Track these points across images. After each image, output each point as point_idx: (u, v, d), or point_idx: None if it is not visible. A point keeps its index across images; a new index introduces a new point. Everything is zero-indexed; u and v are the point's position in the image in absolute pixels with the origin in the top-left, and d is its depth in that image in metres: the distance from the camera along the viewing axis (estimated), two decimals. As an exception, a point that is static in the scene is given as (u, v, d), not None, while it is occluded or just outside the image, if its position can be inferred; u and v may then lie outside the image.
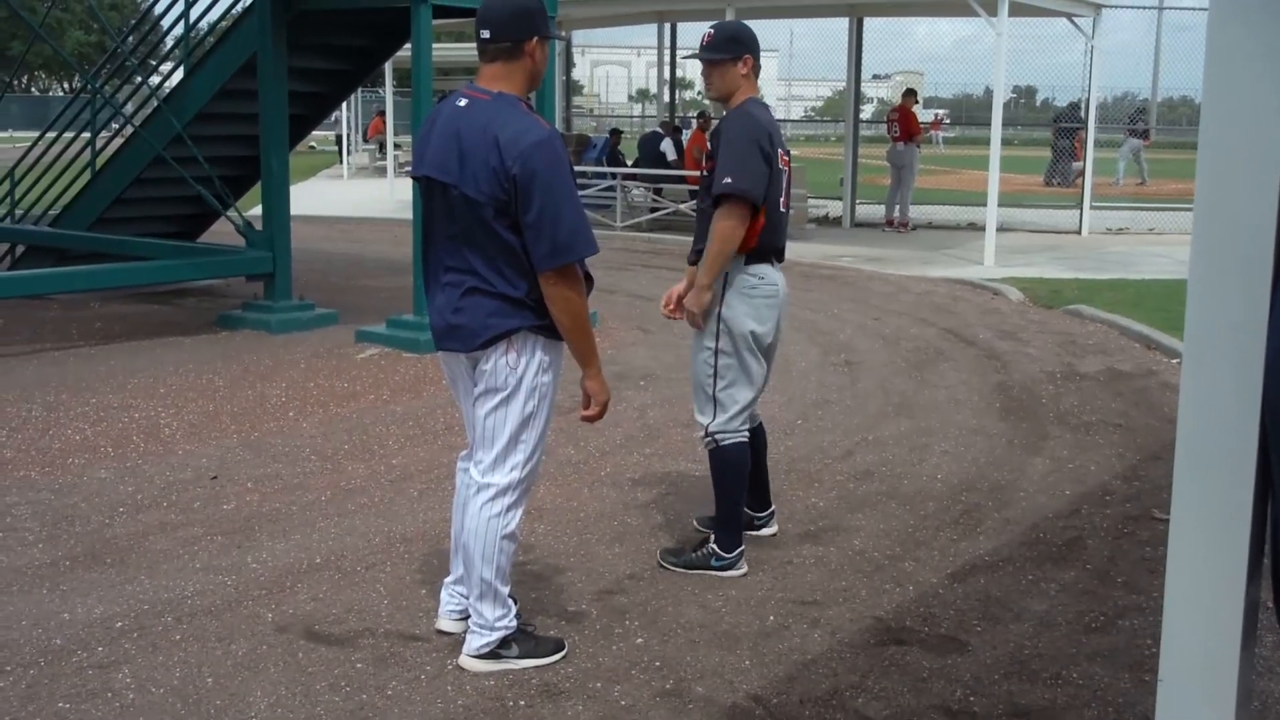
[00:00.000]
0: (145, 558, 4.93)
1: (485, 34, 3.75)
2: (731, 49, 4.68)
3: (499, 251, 3.75)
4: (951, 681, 3.93)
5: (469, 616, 4.08)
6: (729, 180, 4.52)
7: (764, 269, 4.77)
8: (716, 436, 4.81)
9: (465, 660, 3.99)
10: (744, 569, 4.84)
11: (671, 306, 4.98)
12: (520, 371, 3.83)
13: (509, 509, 3.92)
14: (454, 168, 3.73)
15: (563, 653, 4.07)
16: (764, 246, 4.72)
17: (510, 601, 4.03)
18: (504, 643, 3.99)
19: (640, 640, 4.22)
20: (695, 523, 5.40)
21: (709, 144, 4.86)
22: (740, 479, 4.88)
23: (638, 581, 4.76)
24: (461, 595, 4.18)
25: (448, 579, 4.27)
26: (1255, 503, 1.84)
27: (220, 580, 4.71)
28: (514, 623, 4.02)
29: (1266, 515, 1.90)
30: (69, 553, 4.97)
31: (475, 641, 3.99)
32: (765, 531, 5.29)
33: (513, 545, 3.98)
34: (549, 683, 3.89)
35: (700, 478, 6.10)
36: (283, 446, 6.55)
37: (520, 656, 4.00)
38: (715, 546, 4.86)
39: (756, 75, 4.81)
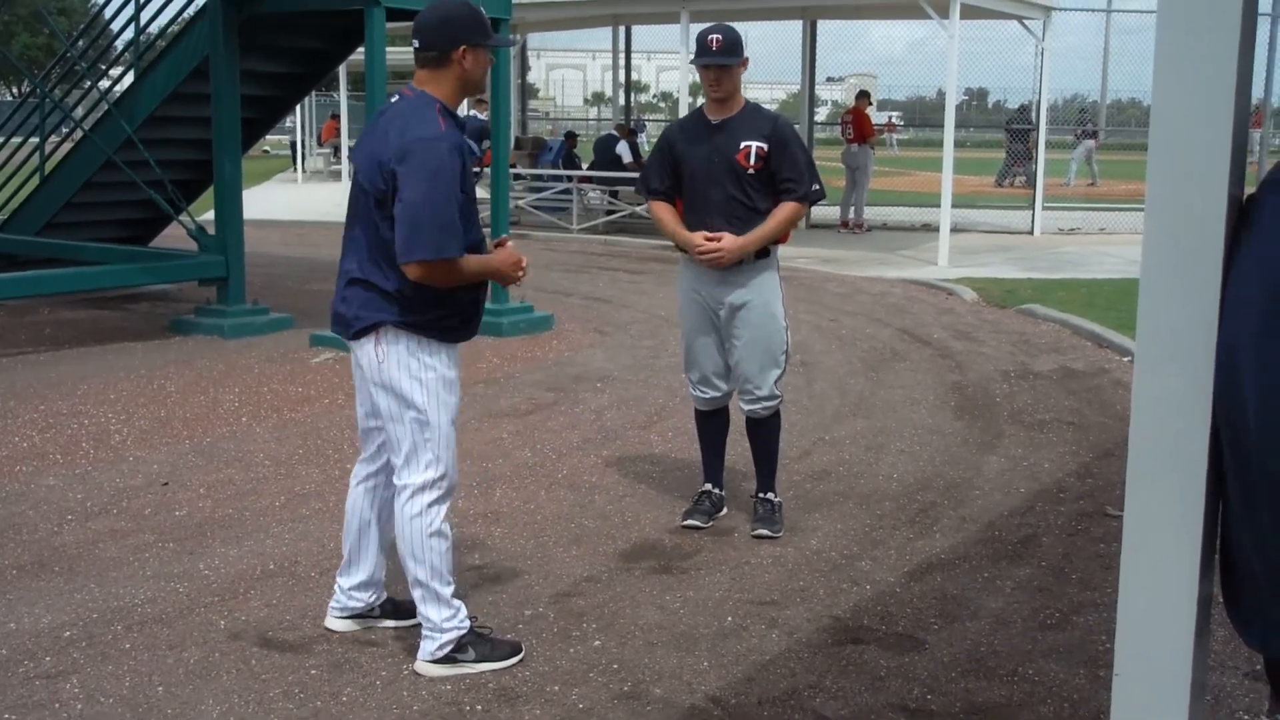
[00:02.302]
0: (95, 565, 4.86)
1: (415, 43, 3.88)
2: (738, 52, 5.11)
3: (377, 244, 3.86)
4: (909, 680, 3.94)
5: (354, 616, 4.22)
6: (818, 188, 5.24)
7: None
8: (779, 401, 5.34)
9: (420, 666, 3.97)
10: None
11: (710, 241, 5.11)
12: (386, 366, 3.88)
13: (429, 506, 3.94)
14: (359, 160, 3.90)
15: (519, 656, 4.06)
16: None
17: (455, 602, 4.01)
18: (459, 646, 3.97)
19: (598, 643, 4.20)
20: (689, 522, 5.41)
21: (766, 144, 5.10)
22: None
23: (595, 584, 4.75)
24: (351, 594, 4.26)
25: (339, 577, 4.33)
26: (1207, 499, 1.85)
27: (172, 587, 4.65)
28: (465, 624, 4.00)
29: (1218, 511, 1.92)
30: (15, 561, 4.89)
31: (428, 646, 3.97)
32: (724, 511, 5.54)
33: (443, 542, 3.97)
34: (506, 686, 3.86)
35: (658, 478, 6.10)
36: (235, 452, 6.48)
37: (477, 660, 3.98)
38: (775, 497, 5.44)
39: None
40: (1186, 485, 1.85)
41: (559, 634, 4.27)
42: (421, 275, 3.77)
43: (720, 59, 5.03)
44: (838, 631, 4.32)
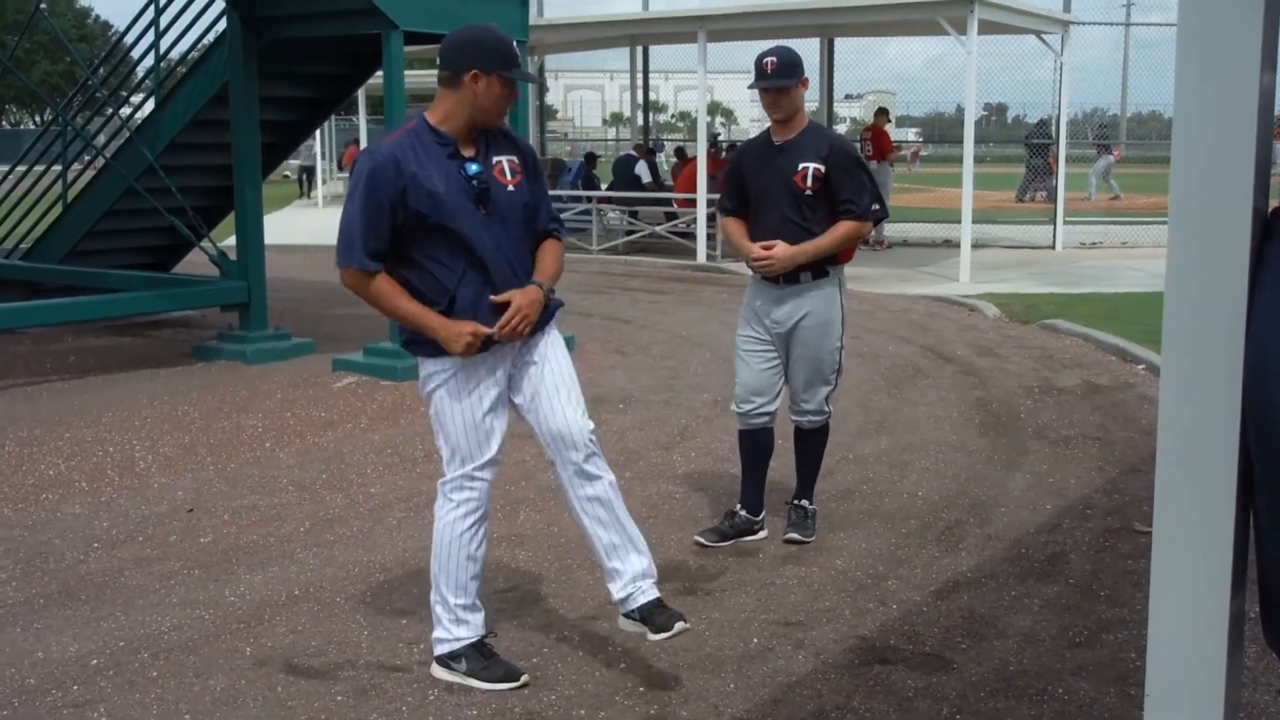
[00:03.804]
0: (121, 593, 4.87)
1: (438, 62, 3.96)
2: (796, 73, 5.13)
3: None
4: (937, 700, 3.90)
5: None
6: (878, 207, 5.25)
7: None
8: (826, 417, 5.49)
9: (434, 664, 4.13)
10: None
11: (766, 250, 5.23)
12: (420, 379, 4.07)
13: (445, 510, 4.05)
14: None
15: (515, 684, 4.00)
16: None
17: (460, 613, 4.07)
18: (453, 655, 4.06)
19: (623, 665, 4.18)
20: (698, 538, 5.45)
21: (823, 165, 5.15)
22: None
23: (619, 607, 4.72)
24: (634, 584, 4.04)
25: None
26: (1237, 512, 1.83)
27: (198, 614, 4.65)
28: (460, 640, 4.06)
29: (1249, 524, 1.89)
30: (43, 590, 4.91)
31: (435, 639, 4.13)
32: (761, 534, 5.52)
33: (457, 549, 4.03)
34: (532, 711, 3.85)
35: (682, 499, 6.08)
36: (260, 477, 6.49)
37: (466, 674, 4.05)
38: (810, 504, 5.60)
39: None
40: (1216, 499, 1.83)
41: (584, 657, 4.26)
42: (343, 282, 3.93)
43: (775, 81, 5.09)
44: (865, 652, 4.29)
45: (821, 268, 5.22)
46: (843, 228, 5.17)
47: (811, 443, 5.56)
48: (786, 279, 5.22)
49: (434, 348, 3.94)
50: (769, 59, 5.10)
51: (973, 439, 7.22)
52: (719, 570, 5.12)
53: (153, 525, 5.72)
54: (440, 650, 4.09)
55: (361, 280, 3.86)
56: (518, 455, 6.94)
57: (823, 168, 5.13)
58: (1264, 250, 1.82)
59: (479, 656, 4.06)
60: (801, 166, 5.14)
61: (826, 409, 5.44)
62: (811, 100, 21.71)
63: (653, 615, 3.94)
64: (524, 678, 4.04)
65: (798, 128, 5.21)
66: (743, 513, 5.51)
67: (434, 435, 4.08)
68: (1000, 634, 4.43)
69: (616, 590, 4.01)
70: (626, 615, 4.01)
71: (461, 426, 3.99)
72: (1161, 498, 1.88)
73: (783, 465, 5.97)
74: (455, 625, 4.06)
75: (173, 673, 4.14)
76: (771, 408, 5.40)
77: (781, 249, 5.14)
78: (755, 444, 5.49)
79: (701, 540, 5.41)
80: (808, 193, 5.14)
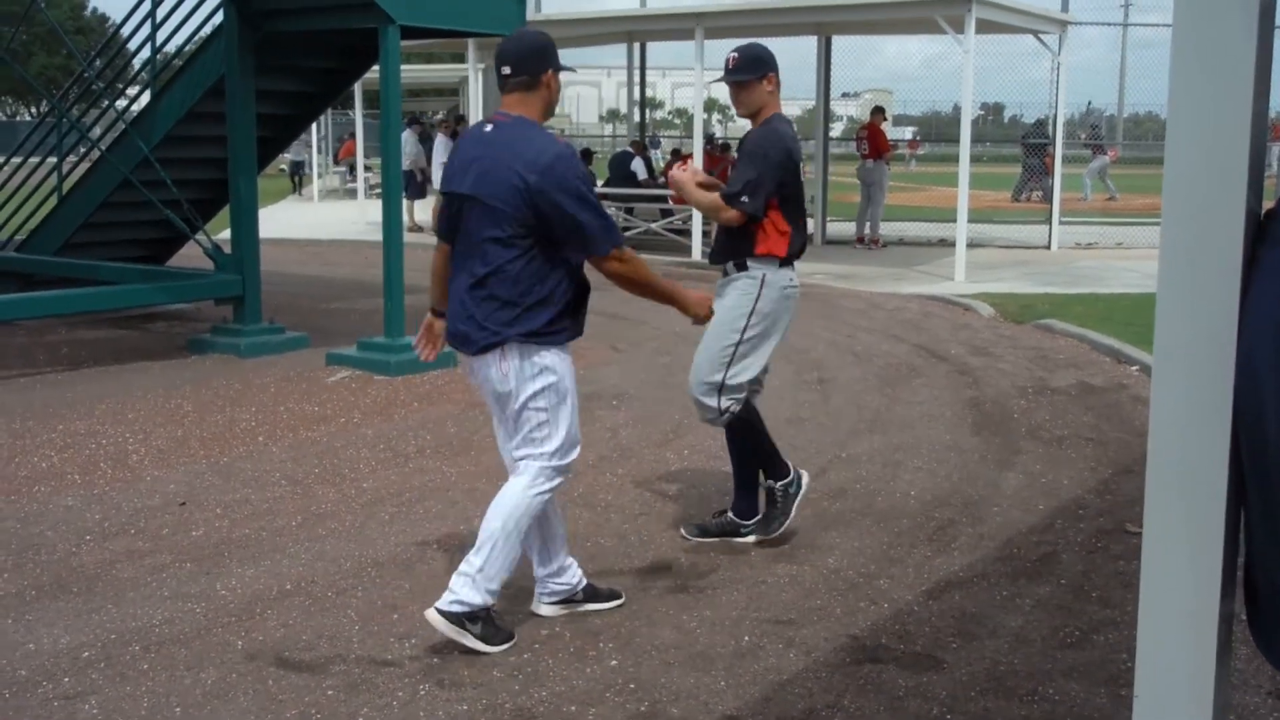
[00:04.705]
0: (112, 586, 4.87)
1: (506, 70, 4.22)
2: (756, 69, 5.14)
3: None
4: (928, 699, 3.91)
5: (561, 601, 4.58)
6: (746, 199, 5.06)
7: (791, 273, 5.25)
8: (713, 413, 5.26)
9: (430, 612, 4.21)
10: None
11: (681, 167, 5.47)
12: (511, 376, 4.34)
13: (536, 491, 4.32)
14: (483, 182, 4.17)
15: (511, 642, 4.28)
16: (792, 255, 5.22)
17: (500, 584, 4.28)
18: (472, 616, 4.18)
19: (614, 662, 4.19)
20: (683, 533, 5.49)
21: (737, 157, 5.33)
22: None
23: (612, 603, 4.73)
24: (553, 581, 4.58)
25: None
26: (1228, 514, 1.83)
27: (189, 608, 4.65)
28: (490, 599, 4.23)
29: (1239, 527, 1.89)
30: (34, 582, 4.90)
31: (450, 595, 4.21)
32: (751, 539, 5.42)
33: (528, 529, 4.37)
34: (522, 707, 3.85)
35: (675, 497, 6.08)
36: (252, 471, 6.49)
37: (479, 638, 4.19)
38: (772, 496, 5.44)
39: (778, 90, 5.25)
40: (1207, 501, 1.83)
41: (575, 653, 4.26)
42: (614, 268, 4.27)
43: (733, 76, 5.14)
44: (855, 651, 4.29)
45: (743, 261, 5.17)
46: (711, 198, 5.22)
47: (730, 435, 5.37)
48: (724, 270, 5.27)
49: (569, 336, 4.26)
50: (731, 54, 5.18)
51: (966, 438, 7.23)
52: (710, 568, 5.12)
53: (145, 518, 5.71)
54: (459, 609, 4.17)
55: (627, 257, 4.28)
56: (511, 451, 6.94)
57: (738, 157, 5.28)
58: (1256, 252, 1.82)
59: (491, 624, 4.25)
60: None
61: (710, 404, 5.19)
62: (808, 98, 21.73)
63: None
64: (515, 634, 4.36)
65: (759, 123, 5.22)
66: (730, 515, 5.48)
67: (536, 425, 4.23)
68: (991, 634, 4.43)
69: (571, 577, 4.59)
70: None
71: (575, 415, 4.29)
72: (1152, 499, 1.88)
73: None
74: (489, 594, 4.21)
75: (164, 665, 4.13)
76: (701, 392, 5.33)
77: (677, 173, 5.34)
78: (731, 435, 5.38)
79: (682, 533, 5.49)
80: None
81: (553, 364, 4.20)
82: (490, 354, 4.17)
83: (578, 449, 4.36)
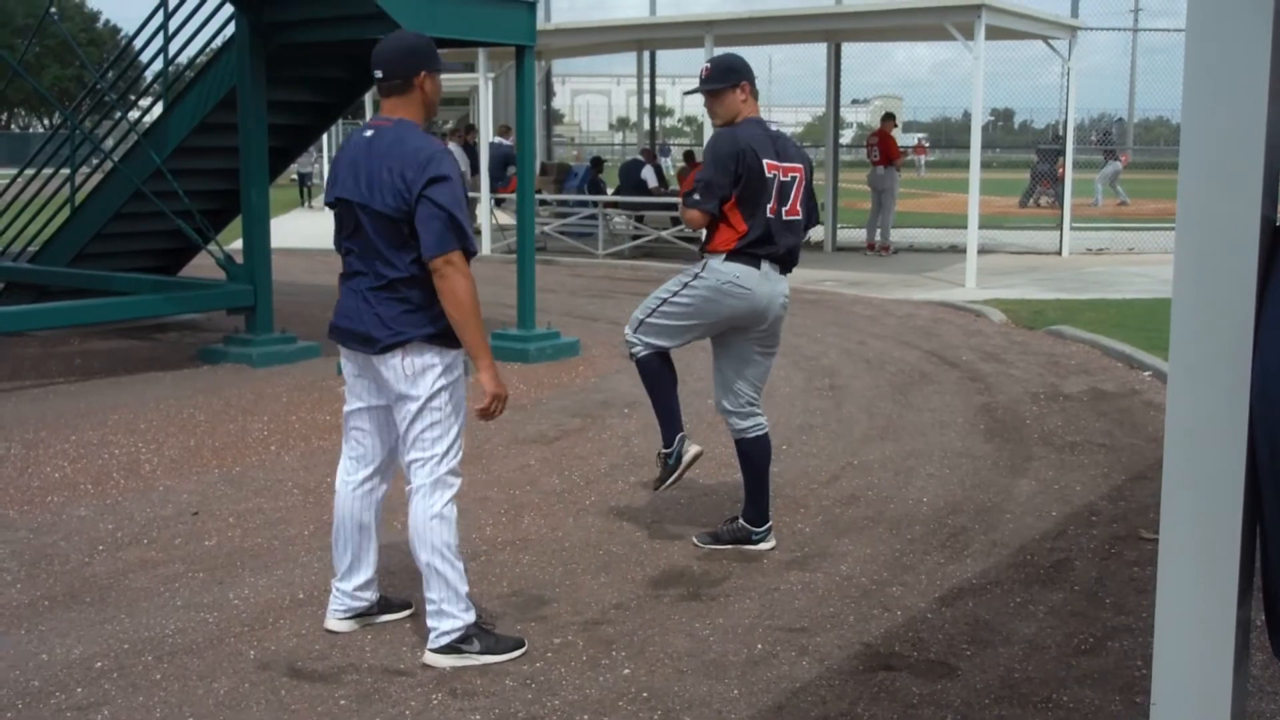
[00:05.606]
0: (125, 596, 4.87)
1: (378, 73, 4.20)
2: (728, 78, 5.19)
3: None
4: (942, 707, 3.89)
5: (356, 616, 4.51)
6: (697, 198, 5.15)
7: (739, 269, 5.16)
8: (636, 348, 5.40)
9: (429, 658, 4.20)
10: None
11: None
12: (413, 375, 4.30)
13: (444, 501, 4.26)
14: (363, 187, 4.15)
15: (522, 650, 4.27)
16: (743, 250, 5.15)
17: (467, 596, 4.26)
18: (464, 637, 4.18)
19: (627, 671, 4.18)
20: (695, 540, 5.49)
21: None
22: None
23: (624, 611, 4.72)
24: (355, 595, 4.51)
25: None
26: (1244, 520, 1.82)
27: (201, 618, 4.65)
28: (470, 614, 4.23)
29: (1256, 532, 1.88)
30: (48, 592, 4.91)
31: (433, 635, 4.21)
32: (763, 546, 5.40)
33: (456, 538, 4.26)
34: (536, 716, 3.84)
35: (687, 504, 6.07)
36: (265, 480, 6.50)
37: (481, 652, 4.18)
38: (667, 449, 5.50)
39: (755, 98, 5.30)
40: (1222, 507, 1.83)
41: (588, 662, 4.25)
42: (440, 275, 4.08)
43: (705, 85, 5.24)
44: (869, 658, 4.28)
45: (704, 257, 5.30)
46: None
47: (739, 448, 5.49)
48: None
49: (454, 339, 4.17)
50: (705, 65, 5.33)
51: (978, 445, 7.21)
52: (723, 575, 5.11)
53: (158, 528, 5.72)
54: (448, 640, 4.19)
55: (449, 273, 4.12)
56: (521, 459, 6.95)
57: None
58: (1272, 259, 1.81)
59: (485, 635, 4.26)
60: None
61: (634, 339, 5.38)
62: (818, 105, 21.73)
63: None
64: (525, 642, 4.34)
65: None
66: (741, 521, 5.48)
67: (430, 425, 4.18)
68: (1005, 641, 4.42)
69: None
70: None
71: (464, 419, 4.26)
72: (1168, 505, 1.87)
73: (786, 468, 5.99)
74: (465, 611, 4.22)
75: (176, 675, 4.13)
76: (725, 403, 5.48)
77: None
78: (738, 445, 5.49)
79: (695, 541, 5.49)
80: None
81: (452, 364, 4.22)
82: (393, 353, 4.16)
83: (462, 452, 4.33)
